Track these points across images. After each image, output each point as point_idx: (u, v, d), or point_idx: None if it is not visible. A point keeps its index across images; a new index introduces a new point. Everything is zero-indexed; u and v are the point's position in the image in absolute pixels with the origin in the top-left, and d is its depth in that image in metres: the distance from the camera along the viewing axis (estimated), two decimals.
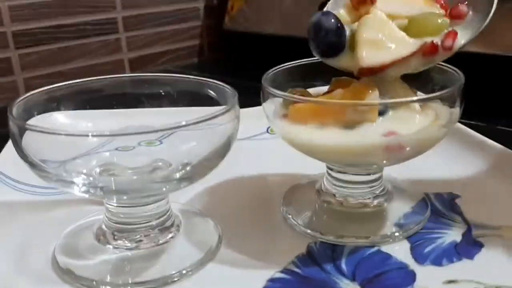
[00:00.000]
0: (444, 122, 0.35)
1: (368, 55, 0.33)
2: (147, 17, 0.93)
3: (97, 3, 0.86)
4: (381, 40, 0.34)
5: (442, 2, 0.36)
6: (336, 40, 0.35)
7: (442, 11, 0.35)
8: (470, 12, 0.35)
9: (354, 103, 0.33)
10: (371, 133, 0.33)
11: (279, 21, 0.90)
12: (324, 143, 0.34)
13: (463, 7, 0.35)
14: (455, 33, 0.34)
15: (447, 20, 0.34)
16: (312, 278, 0.33)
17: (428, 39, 0.34)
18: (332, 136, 0.33)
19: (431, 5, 0.35)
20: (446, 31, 0.34)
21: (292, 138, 0.36)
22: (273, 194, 0.43)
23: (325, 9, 0.39)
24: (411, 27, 0.34)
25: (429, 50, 0.34)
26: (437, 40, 0.34)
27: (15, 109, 0.32)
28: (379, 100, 0.34)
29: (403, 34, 0.34)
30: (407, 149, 0.34)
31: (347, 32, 0.35)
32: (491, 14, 0.34)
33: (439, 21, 0.34)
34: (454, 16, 0.35)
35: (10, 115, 0.31)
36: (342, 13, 0.36)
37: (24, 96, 0.34)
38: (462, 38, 0.34)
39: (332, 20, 0.35)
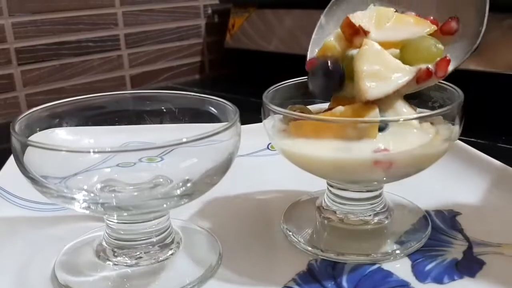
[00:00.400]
0: (444, 140, 0.35)
1: (371, 88, 0.33)
2: (149, 35, 0.94)
3: (99, 20, 0.87)
4: (381, 71, 0.34)
5: (432, 18, 0.36)
6: (336, 88, 0.36)
7: (433, 27, 0.35)
8: (460, 29, 0.35)
9: (353, 121, 0.33)
10: (363, 150, 0.33)
11: (279, 39, 0.90)
12: (322, 159, 0.34)
13: (453, 23, 0.36)
14: (448, 61, 0.34)
15: (442, 47, 0.35)
16: None
17: (423, 66, 0.34)
18: (329, 153, 0.33)
19: (422, 23, 0.36)
20: (438, 58, 0.34)
21: (292, 154, 0.36)
22: (274, 211, 0.43)
23: (312, 40, 0.40)
24: (405, 54, 0.35)
25: (424, 77, 0.34)
26: (431, 67, 0.34)
27: (18, 125, 0.33)
28: (378, 118, 0.34)
29: (398, 62, 0.34)
30: (400, 166, 0.34)
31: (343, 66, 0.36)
32: (481, 34, 0.34)
33: (434, 49, 0.35)
34: (445, 32, 0.36)
35: (12, 131, 0.31)
36: (332, 41, 0.36)
37: (27, 113, 0.34)
38: (453, 62, 0.35)
39: (331, 72, 0.35)
